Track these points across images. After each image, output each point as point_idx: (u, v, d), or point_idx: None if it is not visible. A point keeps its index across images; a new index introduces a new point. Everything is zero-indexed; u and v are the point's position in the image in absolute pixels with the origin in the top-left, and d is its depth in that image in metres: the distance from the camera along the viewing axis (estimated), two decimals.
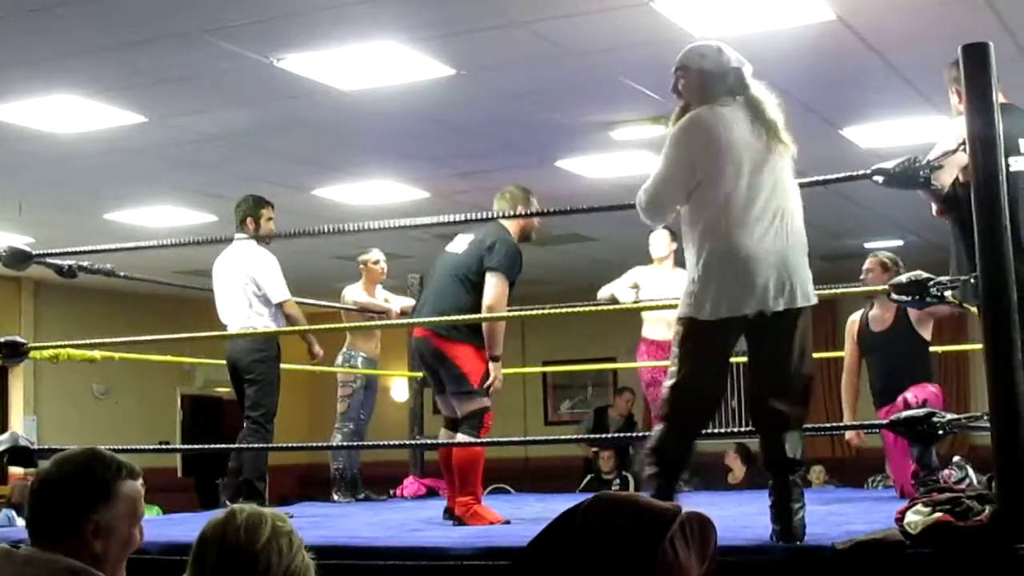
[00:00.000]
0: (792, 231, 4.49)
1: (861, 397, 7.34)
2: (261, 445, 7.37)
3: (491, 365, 6.37)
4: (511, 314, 7.91)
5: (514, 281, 6.36)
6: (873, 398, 7.32)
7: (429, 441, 7.49)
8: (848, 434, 7.67)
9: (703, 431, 4.79)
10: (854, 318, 7.45)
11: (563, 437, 13.40)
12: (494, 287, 6.26)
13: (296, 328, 7.76)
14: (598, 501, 2.32)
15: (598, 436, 12.06)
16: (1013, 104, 5.08)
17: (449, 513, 6.38)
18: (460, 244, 6.50)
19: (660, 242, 8.68)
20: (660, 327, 8.51)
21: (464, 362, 6.30)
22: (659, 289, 8.38)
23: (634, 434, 11.85)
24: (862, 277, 7.24)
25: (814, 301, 4.55)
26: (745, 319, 4.45)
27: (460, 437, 6.30)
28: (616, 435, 12.22)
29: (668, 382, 4.58)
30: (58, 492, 2.87)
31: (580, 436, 13.24)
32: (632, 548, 2.20)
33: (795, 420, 4.50)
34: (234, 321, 7.63)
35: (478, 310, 6.25)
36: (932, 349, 7.30)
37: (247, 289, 7.60)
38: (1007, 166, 4.57)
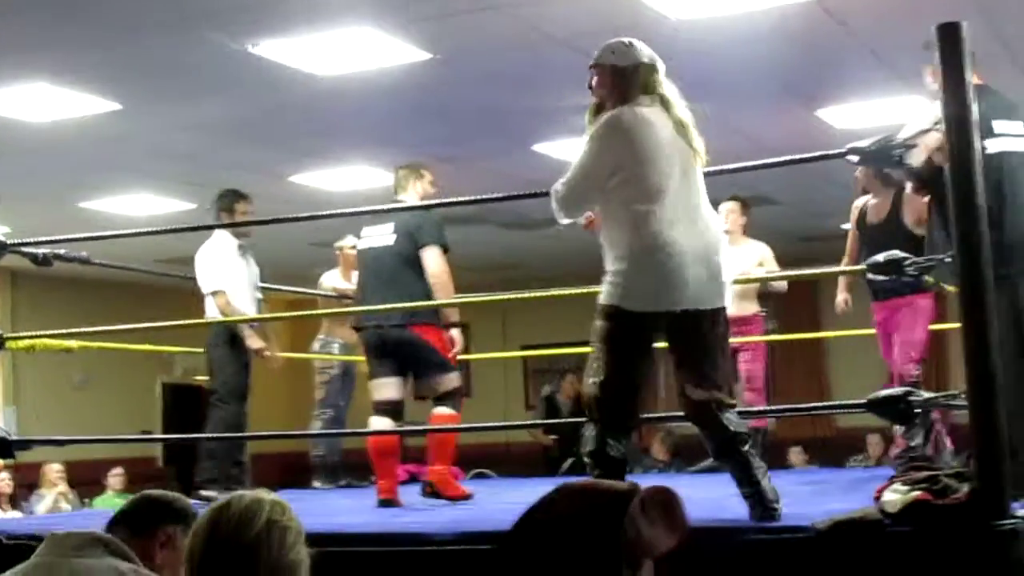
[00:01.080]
0: (712, 230, 4.60)
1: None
2: (239, 433, 7.33)
3: (455, 332, 6.75)
4: (492, 297, 7.97)
5: (447, 247, 6.68)
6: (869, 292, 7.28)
7: (409, 428, 7.48)
8: (839, 298, 7.68)
9: (635, 426, 4.77)
10: (857, 204, 7.37)
11: (535, 422, 13.47)
12: (435, 259, 6.57)
13: (270, 316, 7.77)
14: (558, 493, 2.32)
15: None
16: (988, 86, 5.09)
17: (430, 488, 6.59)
18: (383, 238, 6.71)
19: (728, 214, 8.20)
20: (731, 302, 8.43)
21: (437, 343, 6.65)
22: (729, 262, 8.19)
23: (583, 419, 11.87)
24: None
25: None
26: (672, 315, 4.49)
27: (442, 410, 6.61)
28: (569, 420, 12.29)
29: (594, 379, 4.57)
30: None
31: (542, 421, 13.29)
32: (594, 533, 2.20)
33: (724, 403, 4.53)
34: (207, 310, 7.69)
35: (430, 293, 6.55)
36: None
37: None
38: (983, 148, 4.58)
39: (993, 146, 4.85)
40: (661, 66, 4.67)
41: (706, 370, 4.55)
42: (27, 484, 12.06)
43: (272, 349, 7.73)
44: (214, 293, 7.51)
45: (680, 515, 2.29)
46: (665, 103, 4.61)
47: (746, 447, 4.49)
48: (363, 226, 6.91)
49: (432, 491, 6.55)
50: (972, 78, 4.07)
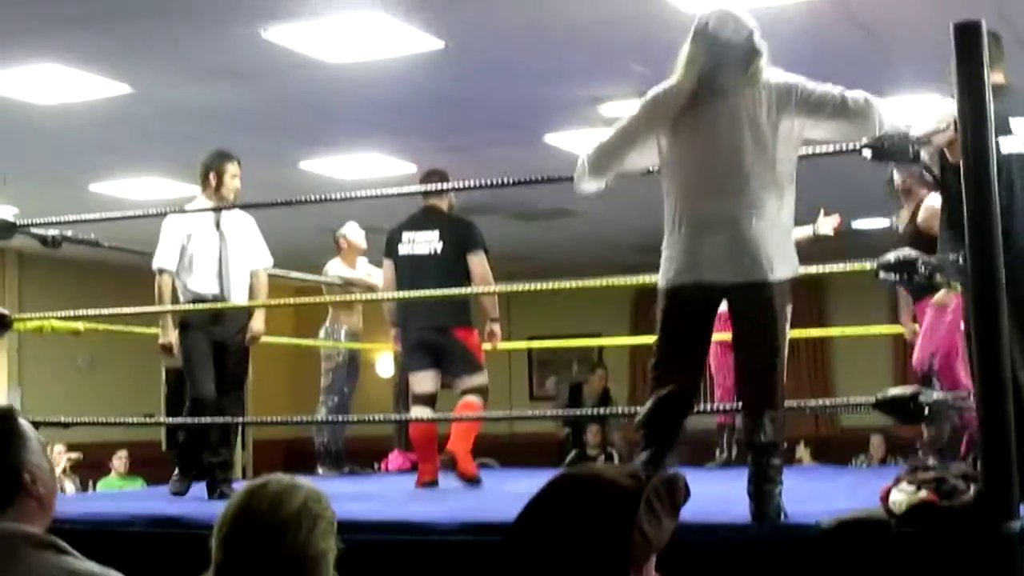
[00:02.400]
0: (752, 202, 4.41)
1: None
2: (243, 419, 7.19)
3: (495, 325, 7.55)
4: (499, 289, 7.98)
5: (488, 250, 7.39)
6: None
7: (414, 416, 7.49)
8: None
9: (691, 405, 4.68)
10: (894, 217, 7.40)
11: (546, 413, 13.47)
12: (482, 264, 7.27)
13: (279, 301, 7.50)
14: (560, 483, 2.29)
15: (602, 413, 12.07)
16: (1008, 85, 5.06)
17: (449, 463, 7.18)
18: (428, 245, 7.28)
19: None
20: None
21: (474, 345, 7.44)
22: None
23: (610, 409, 11.87)
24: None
25: (781, 276, 4.44)
26: (713, 290, 4.45)
27: (471, 399, 7.34)
28: (596, 410, 12.27)
29: (651, 359, 4.59)
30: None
31: (559, 413, 13.29)
32: (600, 531, 2.18)
33: (766, 401, 4.45)
34: None
35: (468, 298, 7.42)
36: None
37: None
38: (998, 147, 4.55)
39: (1007, 146, 4.82)
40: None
41: (748, 355, 4.51)
42: None
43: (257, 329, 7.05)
44: (156, 270, 6.91)
45: (684, 494, 2.27)
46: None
47: (770, 458, 4.44)
48: (403, 231, 7.36)
49: (451, 461, 7.15)
50: (992, 77, 4.04)
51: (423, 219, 7.39)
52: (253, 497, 2.53)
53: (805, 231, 7.90)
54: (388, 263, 7.45)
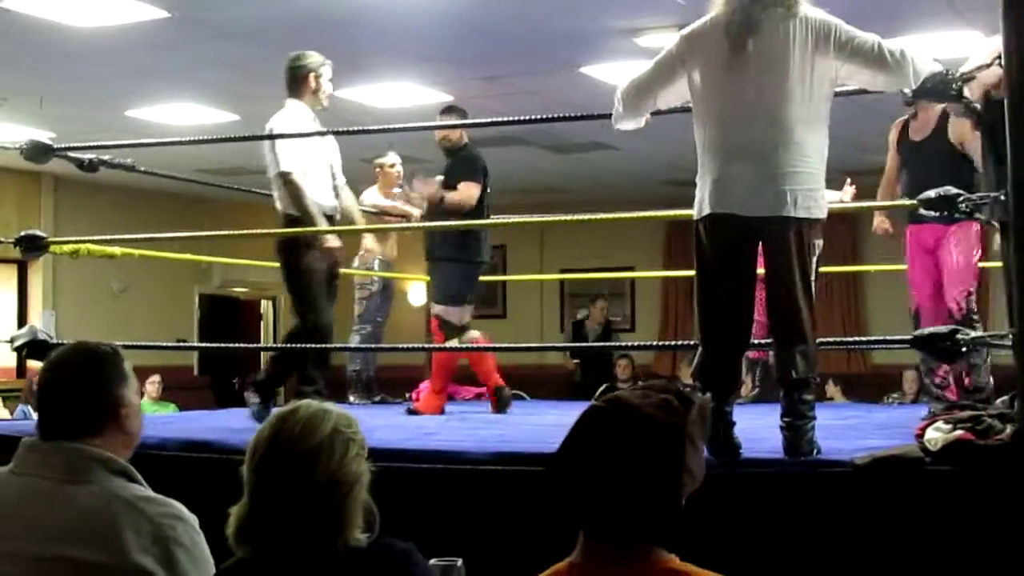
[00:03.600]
0: (782, 136, 4.39)
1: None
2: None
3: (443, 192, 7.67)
4: (531, 220, 7.97)
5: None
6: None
7: (447, 345, 7.51)
8: (875, 221, 7.47)
9: (741, 344, 4.61)
10: (897, 123, 7.10)
11: (563, 345, 13.50)
12: (468, 188, 7.58)
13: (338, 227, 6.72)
14: (598, 420, 2.32)
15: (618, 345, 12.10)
16: None
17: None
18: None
19: None
20: None
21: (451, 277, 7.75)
22: None
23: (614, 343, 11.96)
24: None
25: (806, 213, 4.41)
26: (742, 223, 4.42)
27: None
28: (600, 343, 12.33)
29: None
30: (83, 381, 2.86)
31: (583, 344, 13.32)
32: (652, 473, 2.21)
33: (795, 337, 4.43)
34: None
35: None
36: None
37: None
38: None
39: None
40: None
41: (777, 290, 4.48)
42: None
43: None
44: (282, 174, 6.42)
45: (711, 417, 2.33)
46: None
47: (801, 394, 4.42)
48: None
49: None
50: None
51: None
52: (285, 423, 2.54)
53: (833, 196, 7.76)
54: None
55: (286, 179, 6.38)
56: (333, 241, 6.50)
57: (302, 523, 2.47)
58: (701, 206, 4.50)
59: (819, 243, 5.79)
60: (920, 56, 4.46)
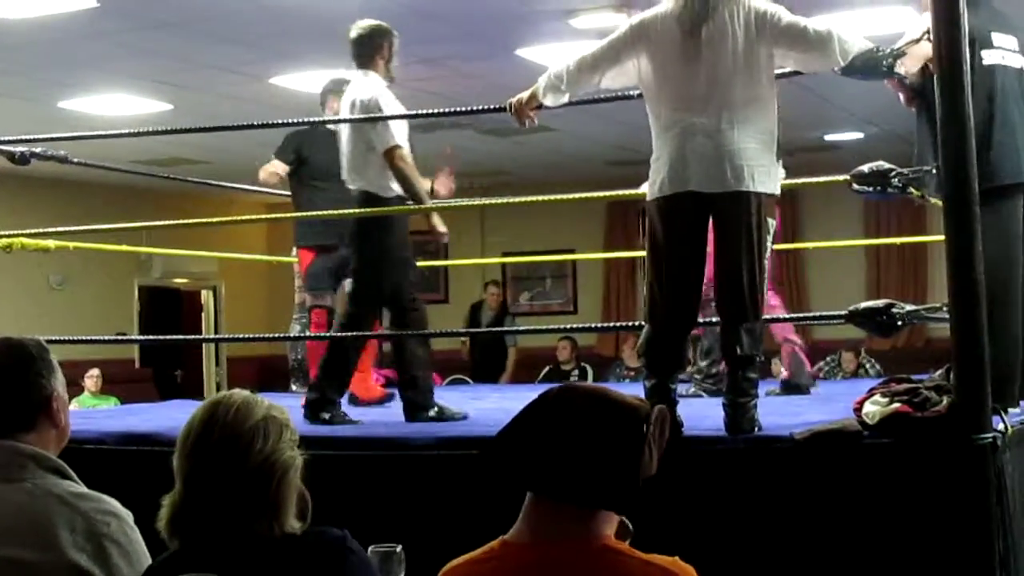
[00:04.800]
0: (736, 117, 4.49)
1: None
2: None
3: None
4: (473, 203, 7.92)
5: None
6: None
7: (387, 332, 7.48)
8: None
9: (689, 322, 4.68)
10: None
11: (526, 327, 13.49)
12: None
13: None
14: (570, 392, 2.35)
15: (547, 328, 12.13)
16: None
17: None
18: None
19: None
20: None
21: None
22: None
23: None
24: None
25: (762, 189, 4.50)
26: (699, 199, 4.46)
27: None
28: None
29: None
30: (13, 377, 2.83)
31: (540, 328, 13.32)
32: (615, 440, 2.24)
33: (742, 314, 4.48)
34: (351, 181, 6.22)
35: None
36: (890, 241, 7.22)
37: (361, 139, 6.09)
38: (980, 59, 4.55)
39: (990, 58, 4.78)
40: None
41: (724, 267, 4.53)
42: None
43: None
44: (391, 150, 5.88)
45: (668, 434, 2.34)
46: None
47: (746, 371, 4.46)
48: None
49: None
50: None
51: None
52: (217, 407, 2.53)
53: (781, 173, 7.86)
54: None
55: (398, 155, 5.84)
56: (442, 226, 6.23)
57: (237, 509, 2.45)
58: (658, 187, 4.56)
59: (773, 223, 5.83)
60: (847, 34, 4.52)
